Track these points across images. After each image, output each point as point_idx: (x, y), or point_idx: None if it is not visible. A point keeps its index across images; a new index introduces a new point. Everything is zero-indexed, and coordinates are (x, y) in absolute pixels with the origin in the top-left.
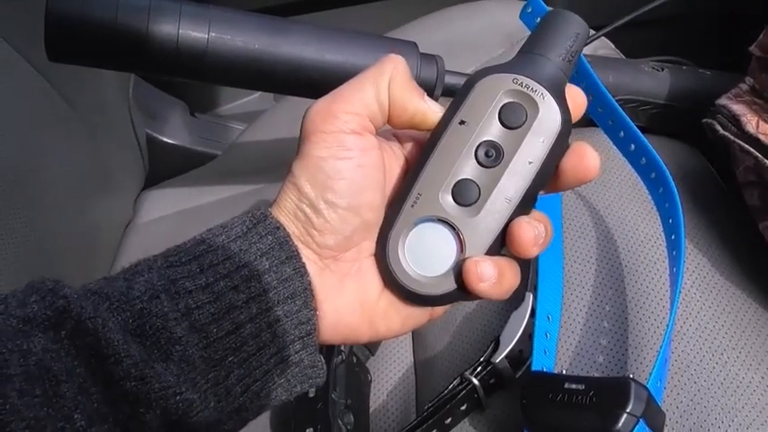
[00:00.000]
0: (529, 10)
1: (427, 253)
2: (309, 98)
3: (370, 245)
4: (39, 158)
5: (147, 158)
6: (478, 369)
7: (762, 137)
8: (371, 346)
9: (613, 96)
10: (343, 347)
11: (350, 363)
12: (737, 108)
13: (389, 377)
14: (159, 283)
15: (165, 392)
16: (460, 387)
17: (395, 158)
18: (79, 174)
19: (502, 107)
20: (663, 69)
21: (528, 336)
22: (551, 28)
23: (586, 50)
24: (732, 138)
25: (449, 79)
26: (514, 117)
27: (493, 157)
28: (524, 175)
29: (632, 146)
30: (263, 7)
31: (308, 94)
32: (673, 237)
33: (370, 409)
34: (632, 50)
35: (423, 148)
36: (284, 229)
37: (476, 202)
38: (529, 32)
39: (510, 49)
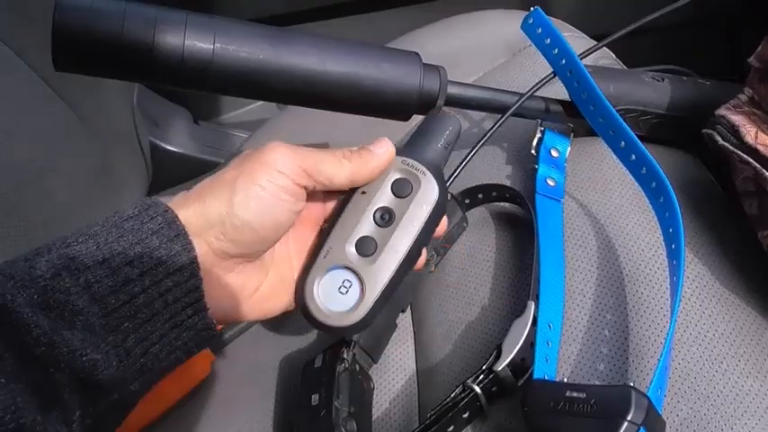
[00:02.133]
0: (530, 21)
1: (336, 293)
2: (313, 108)
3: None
4: (42, 165)
5: (150, 166)
6: (480, 377)
7: (760, 147)
8: (374, 354)
9: (614, 106)
10: (346, 356)
11: (353, 370)
12: (737, 119)
13: (392, 385)
14: (59, 262)
15: (72, 355)
16: (463, 395)
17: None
18: (82, 181)
19: (394, 181)
20: (663, 79)
21: (530, 344)
22: (433, 123)
23: (588, 61)
24: (731, 148)
25: (452, 90)
26: (403, 189)
27: (387, 219)
28: (411, 233)
29: (633, 156)
30: (268, 17)
31: (312, 105)
32: (673, 246)
33: (373, 417)
34: (633, 60)
35: (333, 211)
36: (172, 211)
37: (374, 253)
38: (530, 41)
39: (511, 58)
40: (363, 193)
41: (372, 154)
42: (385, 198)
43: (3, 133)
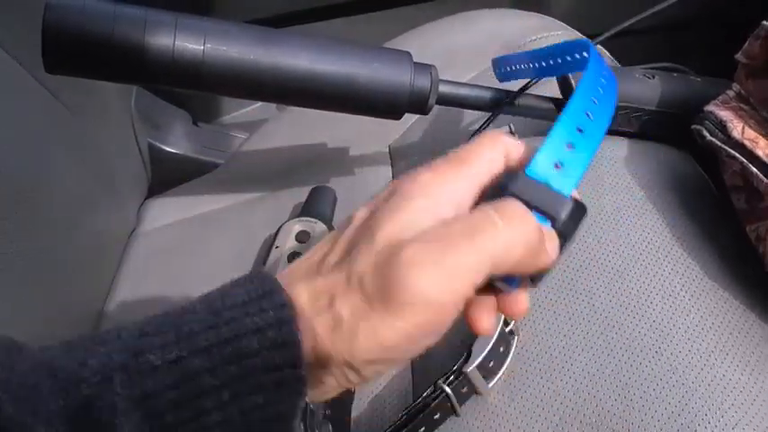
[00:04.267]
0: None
1: None
2: (306, 108)
3: None
4: (41, 168)
5: (149, 168)
6: (451, 378)
7: (747, 142)
8: None
9: None
10: None
11: None
12: (724, 114)
13: (373, 386)
14: (119, 359)
15: None
16: (433, 395)
17: None
18: (81, 183)
19: (297, 233)
20: (654, 77)
21: (499, 348)
22: (319, 192)
23: None
24: (719, 143)
25: (443, 88)
26: (304, 236)
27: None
28: None
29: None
30: (258, 19)
31: (304, 104)
32: None
33: (366, 408)
34: (630, 60)
35: None
36: (292, 308)
37: None
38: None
39: None
40: (277, 247)
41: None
42: (292, 245)
43: None
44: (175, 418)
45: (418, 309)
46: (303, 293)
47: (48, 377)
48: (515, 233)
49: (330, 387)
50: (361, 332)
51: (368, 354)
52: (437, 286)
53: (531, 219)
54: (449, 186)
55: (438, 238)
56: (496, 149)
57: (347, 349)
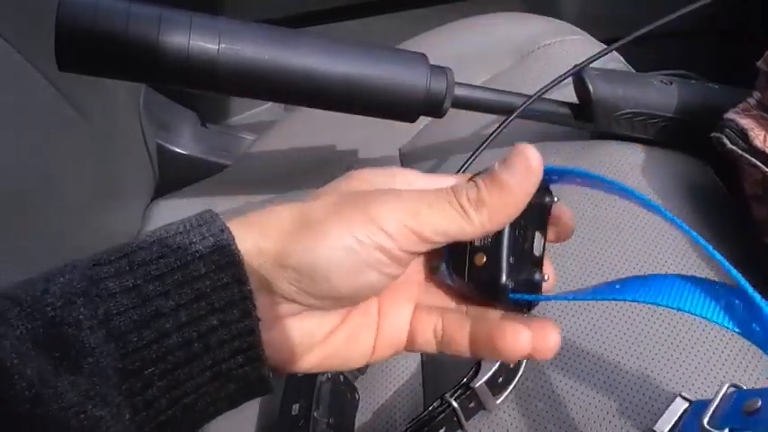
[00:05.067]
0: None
1: None
2: (320, 109)
3: None
4: (48, 167)
5: (157, 168)
6: (458, 392)
7: None
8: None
9: (622, 109)
10: None
11: (336, 381)
12: (745, 122)
13: (379, 396)
14: (79, 285)
15: (63, 413)
16: (440, 409)
17: None
18: (88, 183)
19: None
20: (671, 83)
21: (509, 364)
22: None
23: (597, 64)
24: (740, 152)
25: (458, 91)
26: None
27: None
28: None
29: None
30: (273, 19)
31: (319, 105)
32: None
33: (357, 427)
34: (643, 67)
35: None
36: (229, 232)
37: None
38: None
39: (519, 61)
40: None
41: (509, 188)
42: None
43: (7, 135)
44: (139, 339)
45: (390, 223)
46: (253, 212)
47: (12, 305)
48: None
49: (282, 308)
50: (333, 224)
51: (333, 245)
52: (408, 213)
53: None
54: (411, 173)
55: (414, 190)
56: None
57: (313, 241)
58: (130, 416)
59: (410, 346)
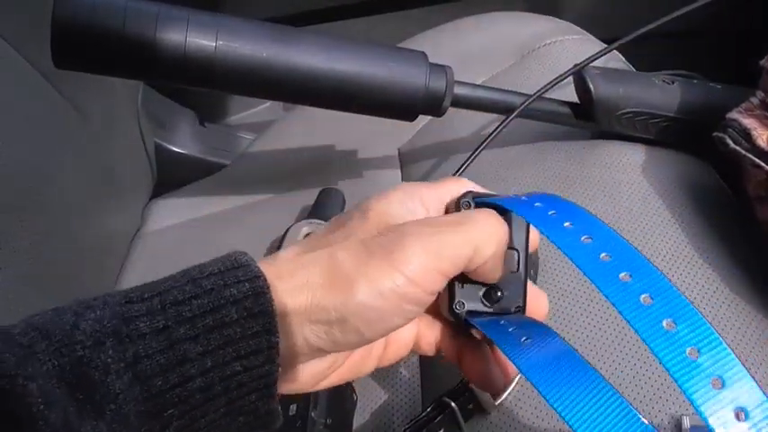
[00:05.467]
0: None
1: None
2: (318, 107)
3: None
4: (46, 166)
5: (155, 168)
6: (457, 393)
7: None
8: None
9: (623, 109)
10: None
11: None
12: (749, 122)
13: (377, 396)
14: (109, 324)
15: None
16: (438, 410)
17: None
18: (87, 182)
19: (305, 235)
20: (673, 82)
21: None
22: (328, 194)
23: (598, 63)
24: (743, 152)
25: (458, 90)
26: None
27: None
28: None
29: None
30: (272, 17)
31: (317, 104)
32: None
33: (354, 427)
34: (643, 64)
35: None
36: (264, 279)
37: None
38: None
39: (520, 60)
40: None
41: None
42: None
43: (5, 134)
44: (163, 383)
45: (413, 267)
46: (282, 262)
47: (42, 339)
48: (492, 229)
49: (305, 354)
50: (361, 278)
51: (362, 300)
52: (429, 253)
53: (503, 222)
54: (419, 191)
55: (429, 223)
56: (460, 183)
57: (343, 297)
58: None
59: (414, 349)
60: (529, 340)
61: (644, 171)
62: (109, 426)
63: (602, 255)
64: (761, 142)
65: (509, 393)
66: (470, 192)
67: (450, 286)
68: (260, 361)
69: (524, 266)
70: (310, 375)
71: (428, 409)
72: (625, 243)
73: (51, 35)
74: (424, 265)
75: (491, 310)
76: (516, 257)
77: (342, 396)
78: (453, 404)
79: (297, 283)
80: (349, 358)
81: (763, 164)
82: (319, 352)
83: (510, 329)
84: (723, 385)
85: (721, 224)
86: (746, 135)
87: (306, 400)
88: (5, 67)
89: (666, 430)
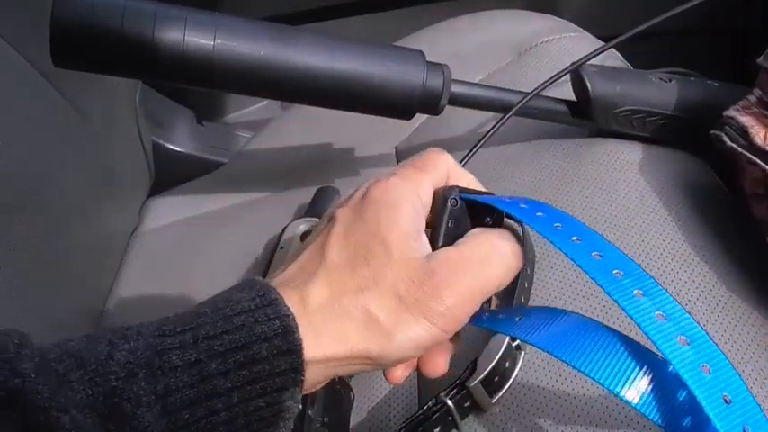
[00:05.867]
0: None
1: None
2: (315, 106)
3: None
4: (44, 166)
5: (153, 166)
6: (453, 391)
7: None
8: None
9: (621, 107)
10: None
11: (331, 380)
12: (746, 120)
13: (374, 394)
14: (143, 356)
15: None
16: (435, 408)
17: None
18: (85, 181)
19: (302, 233)
20: (670, 80)
21: (504, 364)
22: (325, 192)
23: (595, 61)
24: (740, 150)
25: (455, 88)
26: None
27: None
28: None
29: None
30: (270, 16)
31: (314, 102)
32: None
33: (351, 425)
34: (641, 62)
35: None
36: (293, 318)
37: None
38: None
39: (517, 59)
40: (282, 248)
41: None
42: (295, 246)
43: (4, 133)
44: (191, 416)
45: (448, 319)
46: (315, 310)
47: (77, 367)
48: (516, 261)
49: (321, 383)
50: (399, 332)
51: (400, 352)
52: (462, 304)
53: (518, 246)
54: (417, 188)
55: (459, 264)
56: (446, 161)
57: (381, 346)
58: None
59: None
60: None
61: (641, 169)
62: None
63: (594, 253)
64: (758, 140)
65: (505, 391)
66: (456, 187)
67: None
68: (284, 398)
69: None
70: (312, 386)
71: (424, 408)
72: (606, 243)
73: (51, 35)
74: (459, 317)
75: (490, 307)
76: None
77: (339, 394)
78: (449, 402)
79: (333, 336)
80: None
81: (759, 161)
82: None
83: (516, 318)
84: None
85: (718, 222)
86: (743, 133)
87: (303, 398)
88: (4, 66)
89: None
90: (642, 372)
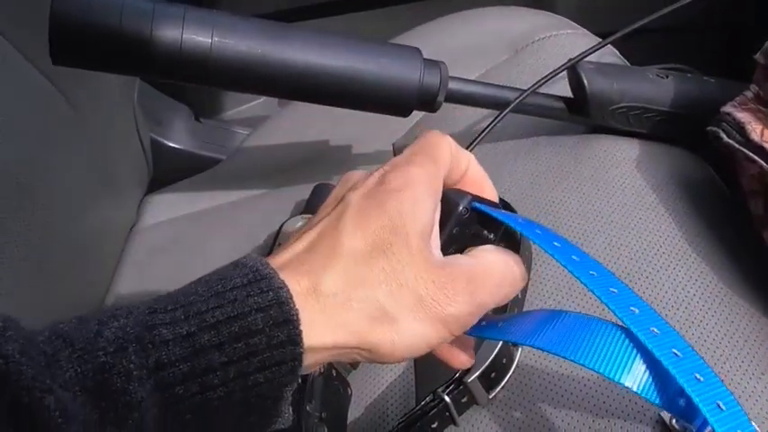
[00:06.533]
0: None
1: None
2: (313, 103)
3: None
4: (42, 162)
5: (151, 163)
6: (451, 387)
7: (766, 145)
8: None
9: (617, 103)
10: None
11: (328, 376)
12: (742, 116)
13: (372, 390)
14: (132, 331)
15: None
16: (432, 404)
17: None
18: (83, 177)
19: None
20: (667, 77)
21: (502, 359)
22: (322, 189)
23: (592, 58)
24: (737, 146)
25: (452, 85)
26: None
27: None
28: None
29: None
30: (267, 13)
31: (312, 100)
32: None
33: (349, 421)
34: (638, 60)
35: None
36: (288, 290)
37: None
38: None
39: (514, 55)
40: (279, 245)
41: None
42: None
43: (2, 130)
44: (185, 391)
45: (460, 324)
46: (323, 279)
47: (65, 347)
48: (520, 285)
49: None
50: (411, 331)
51: (409, 350)
52: (473, 313)
53: (526, 273)
54: (434, 182)
55: (478, 278)
56: (449, 145)
57: (392, 342)
58: None
59: None
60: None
61: (638, 165)
62: None
63: (612, 289)
64: (755, 136)
65: (502, 387)
66: (468, 195)
67: None
68: (282, 372)
69: None
70: (313, 366)
71: (422, 403)
72: (599, 266)
73: (49, 33)
74: (467, 325)
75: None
76: None
77: (336, 391)
78: (447, 398)
79: (343, 325)
80: None
81: (756, 158)
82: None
83: (499, 325)
84: None
85: (715, 218)
86: (740, 129)
87: (300, 393)
88: (4, 63)
89: (656, 428)
90: (639, 360)
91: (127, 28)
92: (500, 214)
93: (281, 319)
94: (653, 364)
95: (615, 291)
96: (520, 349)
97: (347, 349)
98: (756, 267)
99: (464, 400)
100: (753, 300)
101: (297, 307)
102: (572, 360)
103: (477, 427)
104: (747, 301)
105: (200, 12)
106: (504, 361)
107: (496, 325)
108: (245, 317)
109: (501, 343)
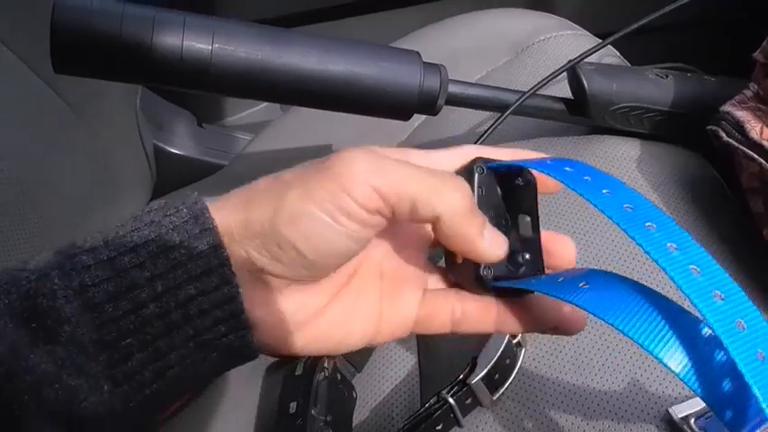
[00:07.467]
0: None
1: None
2: (314, 108)
3: None
4: (46, 169)
5: (154, 169)
6: (455, 389)
7: (766, 143)
8: (357, 364)
9: (618, 104)
10: (326, 364)
11: (333, 379)
12: (742, 114)
13: (377, 392)
14: (54, 260)
15: (36, 385)
16: (437, 406)
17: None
18: (86, 184)
19: None
20: (667, 76)
21: (505, 361)
22: None
23: (592, 58)
24: (736, 144)
25: (452, 88)
26: None
27: None
28: None
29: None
30: (267, 18)
31: (312, 104)
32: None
33: (354, 423)
34: (639, 60)
35: None
36: (203, 202)
37: None
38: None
39: (514, 58)
40: None
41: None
42: None
43: (5, 137)
44: (114, 309)
45: (350, 178)
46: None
47: None
48: (454, 190)
49: (261, 282)
50: (295, 186)
51: (292, 206)
52: (370, 169)
53: (469, 193)
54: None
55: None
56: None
57: (275, 204)
58: (110, 388)
59: (424, 328)
60: (586, 285)
61: (639, 165)
62: (64, 348)
63: (626, 205)
64: (754, 134)
65: (506, 388)
66: (480, 158)
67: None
68: (215, 282)
69: (538, 230)
70: (282, 322)
71: (426, 405)
72: (638, 196)
73: (51, 42)
74: (364, 176)
75: (518, 273)
76: (529, 222)
77: (341, 394)
78: (451, 399)
79: (235, 201)
80: (322, 316)
81: (756, 156)
82: (274, 280)
83: (559, 279)
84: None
85: (717, 217)
86: (740, 127)
87: (306, 397)
88: (5, 70)
89: (660, 426)
90: (677, 335)
91: (127, 36)
92: (511, 162)
93: (198, 231)
94: (693, 347)
95: (653, 227)
96: (523, 350)
97: (246, 232)
98: (757, 265)
99: (468, 401)
100: (753, 298)
101: (213, 216)
102: (613, 325)
103: (482, 429)
104: (748, 298)
105: (200, 18)
106: (508, 362)
107: (538, 278)
108: (162, 236)
109: (504, 344)
